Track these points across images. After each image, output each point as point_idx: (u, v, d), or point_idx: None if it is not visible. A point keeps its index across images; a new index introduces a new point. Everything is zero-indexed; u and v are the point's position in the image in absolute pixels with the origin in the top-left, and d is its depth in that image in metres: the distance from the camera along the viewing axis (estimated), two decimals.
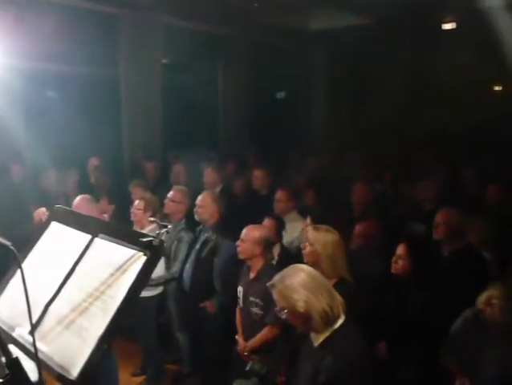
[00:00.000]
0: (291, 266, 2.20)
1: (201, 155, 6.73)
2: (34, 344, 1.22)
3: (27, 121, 6.16)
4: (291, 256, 3.64)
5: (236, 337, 3.22)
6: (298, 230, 4.17)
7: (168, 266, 4.02)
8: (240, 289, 3.24)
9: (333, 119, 10.35)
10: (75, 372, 1.27)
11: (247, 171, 5.92)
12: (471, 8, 6.95)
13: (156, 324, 4.13)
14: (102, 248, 1.48)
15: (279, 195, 4.46)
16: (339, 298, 2.14)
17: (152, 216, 4.03)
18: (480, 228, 3.47)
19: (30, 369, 1.22)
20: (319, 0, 7.79)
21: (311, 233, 2.86)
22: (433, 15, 7.98)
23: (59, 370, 1.29)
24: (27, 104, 6.26)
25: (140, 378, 4.26)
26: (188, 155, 6.45)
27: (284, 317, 2.10)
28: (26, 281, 1.23)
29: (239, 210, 4.83)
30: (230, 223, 3.93)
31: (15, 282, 1.57)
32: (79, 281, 1.45)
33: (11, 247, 1.17)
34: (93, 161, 6.16)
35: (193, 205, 4.01)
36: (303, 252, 2.87)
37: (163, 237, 1.39)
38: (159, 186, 5.63)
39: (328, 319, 2.05)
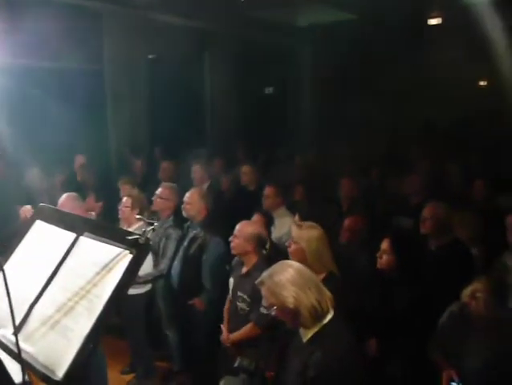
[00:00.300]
0: (279, 263, 2.20)
1: (188, 151, 6.71)
2: (17, 345, 1.20)
3: (11, 118, 6.06)
4: (280, 252, 3.64)
5: (221, 326, 3.23)
6: (286, 226, 4.16)
7: (156, 263, 4.01)
8: (231, 280, 3.25)
9: (321, 115, 10.37)
10: (60, 373, 1.25)
11: (235, 167, 5.91)
12: (457, 3, 7.00)
13: (145, 322, 4.11)
14: (87, 246, 1.46)
15: (267, 191, 4.46)
16: (327, 293, 2.14)
17: (140, 214, 4.02)
18: (468, 223, 3.50)
19: (15, 370, 1.20)
20: None
21: (295, 231, 2.88)
22: (419, 10, 8.01)
23: (44, 371, 1.27)
24: (11, 101, 6.16)
25: (129, 376, 4.24)
26: (176, 151, 6.43)
27: (273, 313, 2.10)
28: (10, 281, 1.21)
29: (227, 206, 4.82)
30: (218, 219, 3.93)
31: None
32: (63, 281, 1.43)
33: None
34: (79, 159, 6.09)
35: (181, 202, 3.99)
36: (289, 250, 2.88)
37: (149, 235, 1.38)
38: (147, 183, 5.60)
39: (317, 315, 2.06)
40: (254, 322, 2.94)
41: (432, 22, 8.02)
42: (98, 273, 1.37)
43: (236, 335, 3.06)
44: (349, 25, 8.93)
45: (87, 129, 6.56)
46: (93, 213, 4.60)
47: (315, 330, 2.07)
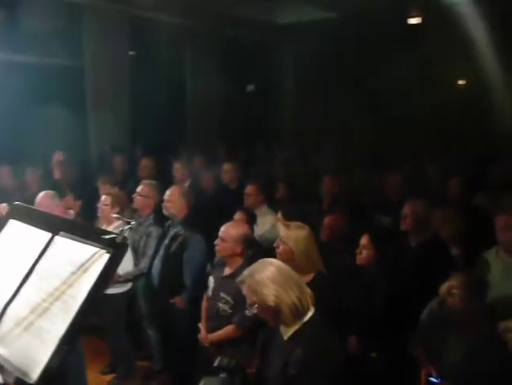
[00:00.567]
0: (260, 261, 2.20)
1: (169, 149, 6.66)
2: None
3: None
4: (263, 250, 3.64)
5: (199, 325, 3.21)
6: (268, 224, 4.18)
7: (136, 262, 3.97)
8: (211, 279, 3.22)
9: (303, 112, 10.39)
10: (34, 375, 1.22)
11: (216, 165, 5.89)
12: (437, 3, 7.09)
13: (126, 321, 4.07)
14: (62, 246, 1.43)
15: (249, 189, 4.45)
16: (308, 291, 2.15)
17: (120, 212, 3.97)
18: (451, 222, 3.53)
19: None
20: None
21: (283, 231, 2.89)
22: (400, 10, 8.09)
23: (18, 374, 1.25)
24: None
25: (110, 377, 4.19)
26: (157, 149, 6.37)
27: (254, 311, 2.10)
28: None
29: (208, 204, 4.80)
30: (199, 218, 3.90)
31: None
32: (38, 281, 1.40)
33: None
34: (58, 156, 5.99)
35: (161, 200, 3.96)
36: (277, 250, 2.88)
37: (126, 234, 1.35)
38: (127, 180, 5.53)
39: (298, 312, 2.06)
40: (236, 324, 2.92)
41: (413, 21, 8.10)
42: (74, 274, 1.35)
43: (215, 336, 3.03)
44: (331, 23, 8.96)
45: (66, 125, 6.45)
46: (72, 212, 4.52)
47: (296, 327, 2.08)
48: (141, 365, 4.28)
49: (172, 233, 3.85)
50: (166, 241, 3.85)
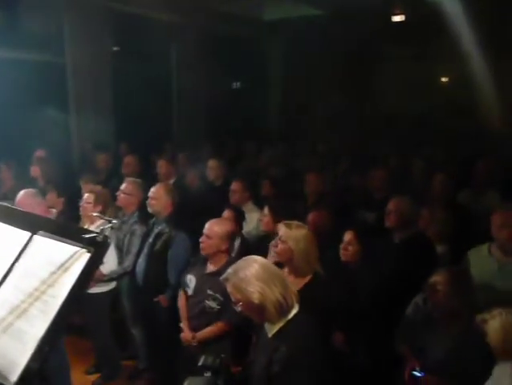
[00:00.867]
0: (244, 258, 2.19)
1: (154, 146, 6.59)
2: None
3: None
4: (250, 247, 3.64)
5: (180, 325, 3.17)
6: (254, 221, 4.18)
7: (120, 260, 3.93)
8: (191, 278, 3.19)
9: (289, 109, 10.39)
10: (13, 378, 1.20)
11: (201, 162, 5.85)
12: (420, 0, 7.14)
13: (110, 320, 4.03)
14: (42, 245, 1.40)
15: (234, 186, 4.44)
16: (292, 288, 2.16)
17: (104, 210, 3.92)
18: (437, 220, 3.53)
19: None
20: None
21: (283, 230, 2.85)
22: (383, 7, 8.13)
23: None
24: None
25: (94, 376, 4.15)
26: (142, 147, 6.30)
27: (239, 309, 2.09)
28: None
29: (193, 202, 4.77)
30: (184, 215, 3.88)
31: None
32: (17, 282, 1.37)
33: None
34: (39, 153, 5.89)
35: (145, 197, 3.92)
36: (275, 250, 2.87)
37: (107, 233, 1.33)
38: (111, 178, 5.46)
39: (282, 310, 2.06)
40: (227, 320, 2.90)
41: (396, 18, 8.16)
42: (53, 273, 1.32)
43: (203, 334, 3.00)
44: (317, 21, 8.95)
45: (48, 122, 6.34)
46: (54, 210, 4.46)
47: (281, 324, 2.08)
48: (126, 364, 4.25)
49: (156, 230, 3.82)
50: (150, 239, 3.82)
